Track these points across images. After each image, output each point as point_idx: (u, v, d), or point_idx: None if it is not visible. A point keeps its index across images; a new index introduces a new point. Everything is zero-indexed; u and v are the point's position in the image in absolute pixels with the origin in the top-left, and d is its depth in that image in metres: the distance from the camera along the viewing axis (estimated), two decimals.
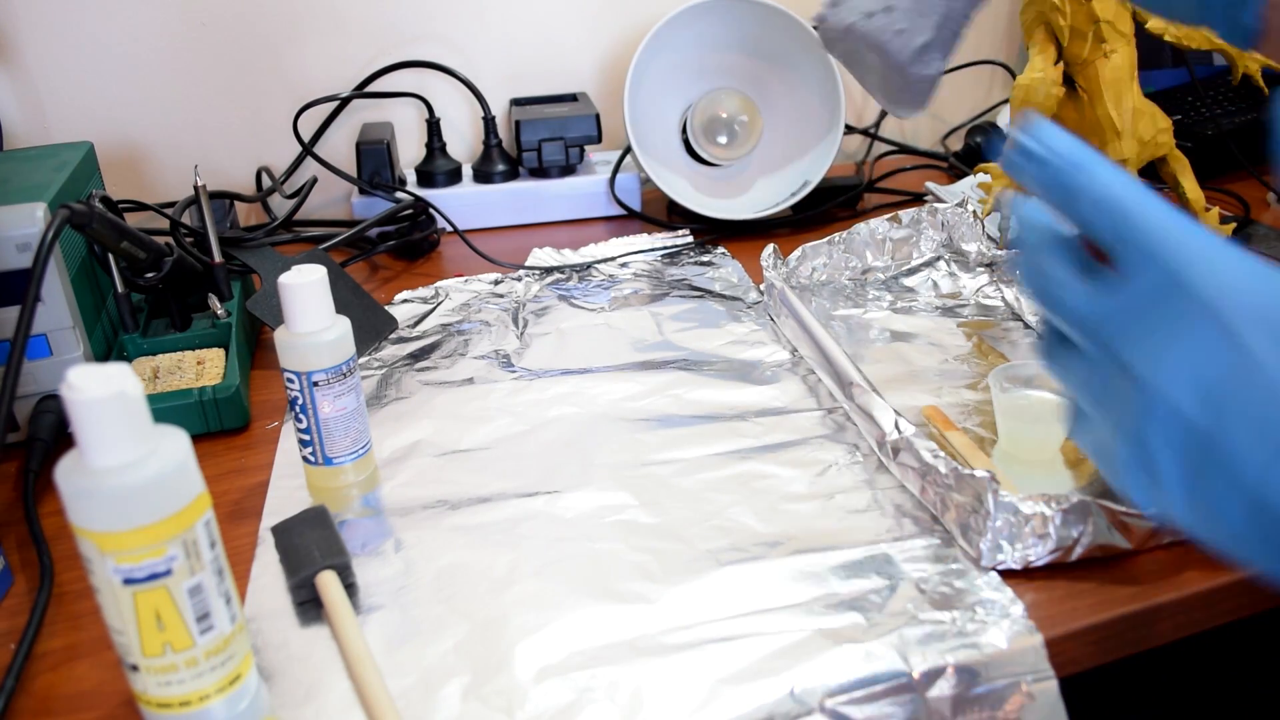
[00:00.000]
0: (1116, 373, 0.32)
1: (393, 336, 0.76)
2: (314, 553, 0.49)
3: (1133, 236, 0.32)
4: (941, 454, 0.51)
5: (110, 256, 0.66)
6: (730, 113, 0.94)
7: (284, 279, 0.52)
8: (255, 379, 0.71)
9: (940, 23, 0.60)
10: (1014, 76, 1.18)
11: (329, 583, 0.47)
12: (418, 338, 0.76)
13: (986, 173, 0.86)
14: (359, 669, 0.43)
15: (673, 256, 0.89)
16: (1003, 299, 0.77)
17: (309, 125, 0.96)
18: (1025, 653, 0.44)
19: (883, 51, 0.60)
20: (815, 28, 0.65)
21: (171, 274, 0.67)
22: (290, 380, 0.53)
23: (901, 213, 0.82)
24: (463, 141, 1.08)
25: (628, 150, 1.01)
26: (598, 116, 0.97)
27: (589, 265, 0.87)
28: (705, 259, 0.88)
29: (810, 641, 0.45)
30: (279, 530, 0.51)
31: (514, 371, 0.70)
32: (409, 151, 1.06)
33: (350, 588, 0.49)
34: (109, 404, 0.35)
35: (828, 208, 0.97)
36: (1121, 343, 0.32)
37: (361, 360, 0.72)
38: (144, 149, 0.98)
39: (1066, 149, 0.33)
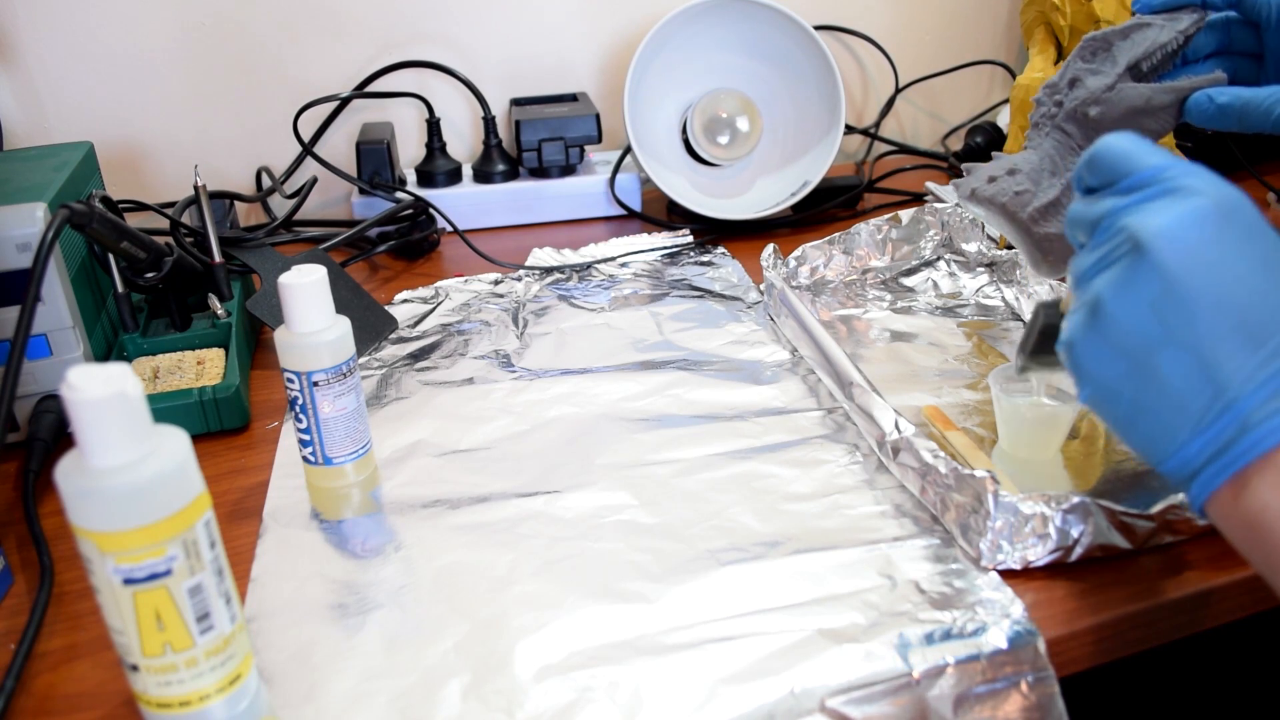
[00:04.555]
0: None
1: (393, 336, 0.76)
2: None
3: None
4: (941, 454, 0.51)
5: (110, 256, 0.66)
6: (730, 113, 0.94)
7: (284, 279, 0.52)
8: (255, 379, 0.71)
9: (1070, 185, 0.54)
10: (1014, 76, 1.18)
11: None
12: (418, 338, 0.76)
13: None
14: None
15: (673, 256, 0.89)
16: (1003, 299, 0.77)
17: (309, 125, 0.96)
18: (1025, 653, 0.44)
19: (1005, 212, 0.56)
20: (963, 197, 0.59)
21: (171, 274, 0.67)
22: (290, 380, 0.53)
23: (901, 213, 0.82)
24: (463, 141, 1.08)
25: (628, 150, 1.01)
26: (598, 116, 0.97)
27: (589, 265, 0.87)
28: (705, 259, 0.88)
29: (810, 641, 0.45)
30: None
31: (514, 371, 0.70)
32: (409, 151, 1.06)
33: None
34: (109, 404, 0.35)
35: (828, 208, 0.97)
36: None
37: (361, 360, 0.72)
38: (144, 149, 0.98)
39: None
